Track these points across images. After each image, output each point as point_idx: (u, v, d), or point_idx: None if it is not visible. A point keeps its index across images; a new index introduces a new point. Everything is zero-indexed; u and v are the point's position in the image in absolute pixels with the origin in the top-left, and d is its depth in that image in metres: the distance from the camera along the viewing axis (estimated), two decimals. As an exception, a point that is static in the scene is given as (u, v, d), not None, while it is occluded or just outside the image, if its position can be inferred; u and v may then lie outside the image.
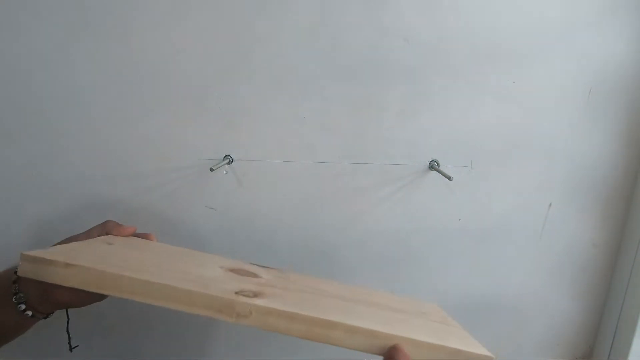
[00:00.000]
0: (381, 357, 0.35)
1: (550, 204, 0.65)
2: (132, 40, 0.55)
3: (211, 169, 0.56)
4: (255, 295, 0.36)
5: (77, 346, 0.52)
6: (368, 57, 0.57)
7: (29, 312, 0.41)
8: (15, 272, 0.41)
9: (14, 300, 0.41)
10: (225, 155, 0.60)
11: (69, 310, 0.47)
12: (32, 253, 0.35)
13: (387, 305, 0.45)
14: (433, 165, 0.62)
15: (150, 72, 0.56)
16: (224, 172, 0.61)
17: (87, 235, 0.48)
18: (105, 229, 0.50)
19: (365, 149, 0.61)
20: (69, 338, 0.51)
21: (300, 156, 0.61)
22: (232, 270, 0.44)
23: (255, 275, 0.44)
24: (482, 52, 0.58)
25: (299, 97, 0.59)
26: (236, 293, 0.36)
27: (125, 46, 0.55)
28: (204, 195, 0.62)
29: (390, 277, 0.68)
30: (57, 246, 0.39)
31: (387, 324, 0.37)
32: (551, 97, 0.61)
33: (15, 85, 0.56)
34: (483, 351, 0.36)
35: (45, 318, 0.44)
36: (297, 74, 0.58)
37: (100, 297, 0.40)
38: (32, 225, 0.62)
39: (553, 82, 0.60)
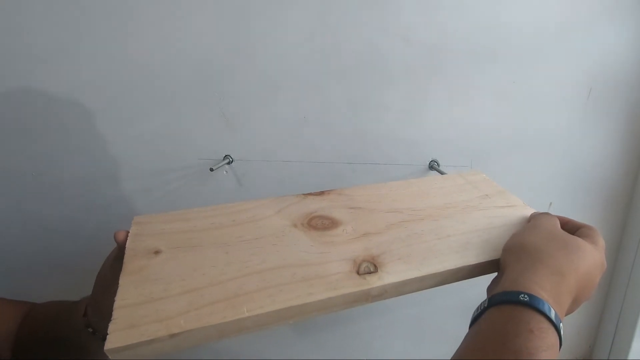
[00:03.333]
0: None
1: (551, 204, 0.65)
2: (132, 40, 0.55)
3: (211, 169, 0.56)
4: (374, 265, 0.36)
5: None
6: (368, 57, 0.57)
7: None
8: (85, 315, 0.43)
9: (89, 329, 0.42)
10: (225, 155, 0.60)
11: None
12: (117, 343, 0.27)
13: (456, 204, 0.46)
14: (433, 165, 0.62)
15: (150, 72, 0.56)
16: (224, 172, 0.61)
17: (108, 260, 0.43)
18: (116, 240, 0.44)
19: (365, 149, 0.61)
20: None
21: (300, 156, 0.61)
22: (310, 226, 0.41)
23: (333, 224, 0.42)
24: (482, 52, 0.58)
25: (299, 97, 0.59)
26: (358, 273, 0.35)
27: (125, 46, 0.55)
28: (204, 195, 0.62)
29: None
30: (123, 302, 0.30)
31: (490, 242, 0.39)
32: (551, 97, 0.61)
33: (16, 85, 0.56)
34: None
35: None
36: (297, 74, 0.58)
37: None
38: (32, 225, 0.62)
39: (553, 82, 0.60)
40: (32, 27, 0.53)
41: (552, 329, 0.29)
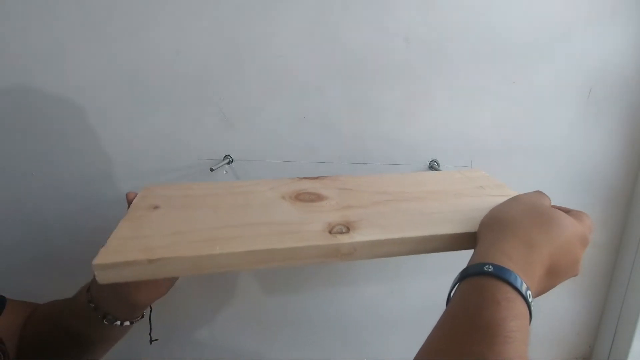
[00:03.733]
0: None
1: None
2: (132, 40, 0.55)
3: (211, 169, 0.56)
4: (347, 228, 0.37)
5: (156, 339, 0.51)
6: (368, 57, 0.57)
7: (119, 322, 0.42)
8: (88, 291, 0.43)
9: (104, 321, 0.42)
10: (225, 155, 0.60)
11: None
12: (103, 260, 0.31)
13: (448, 192, 0.47)
14: (433, 165, 0.62)
15: (150, 72, 0.56)
16: (224, 172, 0.61)
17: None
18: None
19: (365, 149, 0.61)
20: (150, 329, 0.51)
21: (300, 156, 0.61)
22: (297, 198, 0.44)
23: (319, 197, 0.44)
24: (482, 52, 0.58)
25: (299, 97, 0.59)
26: (330, 232, 0.36)
27: (125, 46, 0.55)
28: (204, 195, 0.62)
29: (390, 278, 0.68)
30: (117, 235, 0.35)
31: (474, 219, 0.38)
32: (551, 97, 0.61)
33: (16, 84, 0.56)
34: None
35: (132, 323, 0.44)
36: (297, 74, 0.58)
37: (173, 280, 0.42)
38: (32, 225, 0.62)
39: (553, 83, 0.60)
40: (32, 27, 0.53)
41: (520, 299, 0.28)
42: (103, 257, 0.31)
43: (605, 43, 0.59)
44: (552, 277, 0.33)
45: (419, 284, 0.68)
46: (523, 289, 0.28)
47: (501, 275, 0.29)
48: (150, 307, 0.47)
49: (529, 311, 0.29)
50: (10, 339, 0.45)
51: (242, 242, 0.34)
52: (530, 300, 0.29)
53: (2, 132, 0.58)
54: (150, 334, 0.50)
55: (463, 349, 0.26)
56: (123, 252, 0.32)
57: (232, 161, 0.60)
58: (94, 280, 0.43)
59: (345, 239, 0.35)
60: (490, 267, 0.29)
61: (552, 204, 0.39)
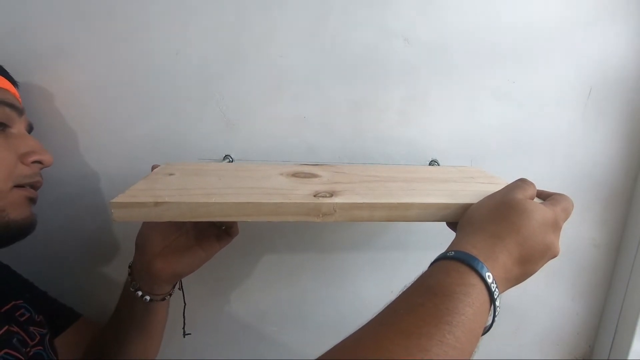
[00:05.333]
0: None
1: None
2: (132, 40, 0.55)
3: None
4: (332, 194, 0.41)
5: (189, 334, 0.56)
6: (368, 57, 0.57)
7: (147, 297, 0.47)
8: (129, 266, 0.49)
9: (131, 289, 0.47)
10: (225, 155, 0.60)
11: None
12: (119, 200, 0.38)
13: (438, 178, 0.50)
14: (433, 165, 0.62)
15: (150, 72, 0.56)
16: (224, 172, 0.61)
17: None
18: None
19: (365, 149, 0.61)
20: (184, 323, 0.55)
21: (300, 156, 0.61)
22: (294, 175, 0.48)
23: (314, 175, 0.49)
24: (482, 52, 0.58)
25: (299, 97, 0.59)
26: (315, 196, 0.40)
27: (125, 46, 0.55)
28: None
29: (390, 277, 0.68)
30: (135, 187, 0.41)
31: (450, 196, 0.42)
32: (551, 97, 0.61)
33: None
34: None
35: (162, 300, 0.49)
36: (297, 74, 0.58)
37: (194, 260, 0.47)
38: (32, 225, 0.62)
39: (553, 82, 0.60)
40: (32, 27, 0.53)
41: (473, 274, 0.30)
42: (119, 198, 0.38)
43: (605, 43, 0.59)
44: (527, 263, 0.34)
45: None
46: (483, 271, 0.30)
47: (459, 257, 0.31)
48: (185, 302, 0.54)
49: (489, 296, 0.30)
50: (70, 355, 0.51)
51: (235, 197, 0.39)
52: (489, 281, 0.30)
53: (2, 132, 0.57)
54: (183, 328, 0.56)
55: (408, 301, 0.29)
56: (136, 197, 0.39)
57: (232, 161, 0.60)
58: (133, 262, 0.48)
59: (325, 201, 0.39)
60: (452, 252, 0.32)
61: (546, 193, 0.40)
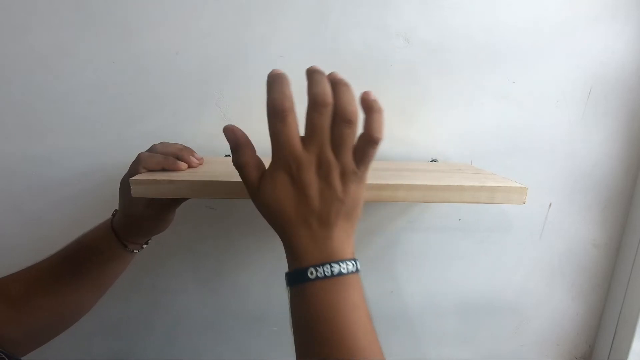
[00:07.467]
0: None
1: (550, 204, 0.65)
2: (132, 40, 0.55)
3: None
4: None
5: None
6: (368, 57, 0.57)
7: (127, 245, 0.50)
8: (113, 214, 0.52)
9: (117, 240, 0.50)
10: (226, 155, 0.60)
11: None
12: (138, 177, 0.43)
13: (426, 169, 0.53)
14: (433, 165, 0.62)
15: (150, 72, 0.56)
16: (224, 172, 0.61)
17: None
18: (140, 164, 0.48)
19: (365, 149, 0.61)
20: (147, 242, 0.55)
21: (300, 156, 0.61)
22: None
23: None
24: (482, 52, 0.58)
25: (298, 97, 0.59)
26: None
27: (125, 46, 0.55)
28: (204, 195, 0.62)
29: (390, 278, 0.68)
30: (148, 172, 0.46)
31: (437, 180, 0.45)
32: (551, 97, 0.61)
33: (16, 84, 0.56)
34: (516, 184, 0.45)
35: (132, 252, 0.51)
36: (297, 74, 0.58)
37: (162, 210, 0.50)
38: (32, 225, 0.62)
39: (553, 82, 0.60)
40: (32, 27, 0.53)
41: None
42: (138, 176, 0.43)
43: (605, 43, 0.59)
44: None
45: (419, 284, 0.68)
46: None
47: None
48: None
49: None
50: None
51: (233, 178, 0.43)
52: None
53: (2, 132, 0.58)
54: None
55: None
56: (152, 175, 0.44)
57: (232, 161, 0.60)
58: (116, 211, 0.51)
59: None
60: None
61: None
